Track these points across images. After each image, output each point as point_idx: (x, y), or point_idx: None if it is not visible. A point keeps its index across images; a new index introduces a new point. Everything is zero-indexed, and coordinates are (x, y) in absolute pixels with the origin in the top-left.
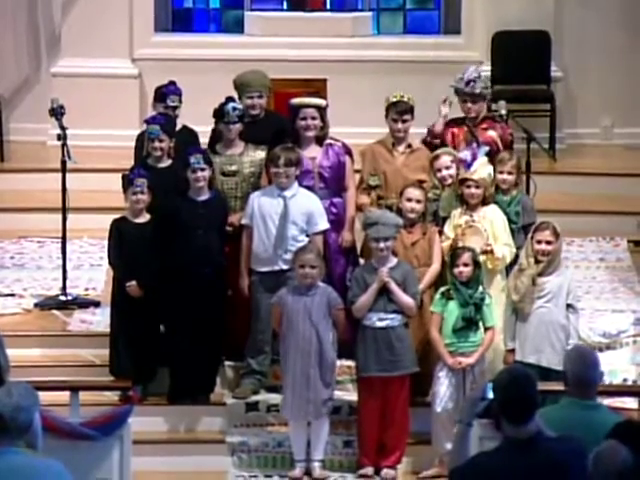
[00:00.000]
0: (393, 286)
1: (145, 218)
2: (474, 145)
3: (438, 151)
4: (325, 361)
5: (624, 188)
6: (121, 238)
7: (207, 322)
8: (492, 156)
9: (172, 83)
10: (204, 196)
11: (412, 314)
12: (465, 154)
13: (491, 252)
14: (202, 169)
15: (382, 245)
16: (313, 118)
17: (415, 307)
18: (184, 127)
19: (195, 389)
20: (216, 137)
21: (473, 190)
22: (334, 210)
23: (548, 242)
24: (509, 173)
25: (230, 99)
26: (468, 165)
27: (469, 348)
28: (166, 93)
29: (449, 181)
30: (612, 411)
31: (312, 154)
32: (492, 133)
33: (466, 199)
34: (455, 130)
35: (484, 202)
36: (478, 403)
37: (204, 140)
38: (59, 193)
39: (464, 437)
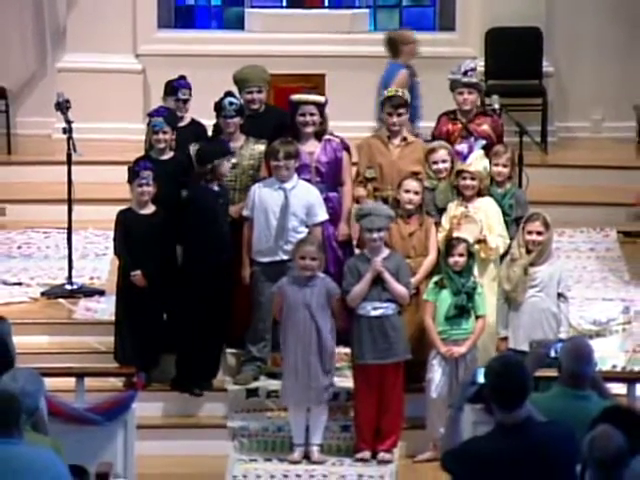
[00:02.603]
0: (387, 276)
1: (150, 209)
2: (471, 138)
3: (434, 144)
4: (325, 349)
5: (613, 180)
6: (126, 229)
7: (214, 310)
8: (488, 149)
9: (182, 77)
10: (216, 187)
11: (405, 303)
12: (462, 147)
13: (485, 242)
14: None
15: (375, 235)
16: (312, 114)
17: (408, 296)
18: (193, 120)
19: (198, 376)
20: (218, 131)
21: (469, 182)
22: (330, 204)
23: (539, 233)
24: (504, 166)
25: (228, 94)
26: (464, 157)
27: (461, 335)
28: (177, 87)
29: (444, 174)
30: (602, 399)
31: (310, 149)
32: (486, 127)
33: (462, 191)
34: (450, 127)
35: (479, 194)
36: (468, 388)
37: (209, 134)
38: (65, 185)
39: (456, 421)
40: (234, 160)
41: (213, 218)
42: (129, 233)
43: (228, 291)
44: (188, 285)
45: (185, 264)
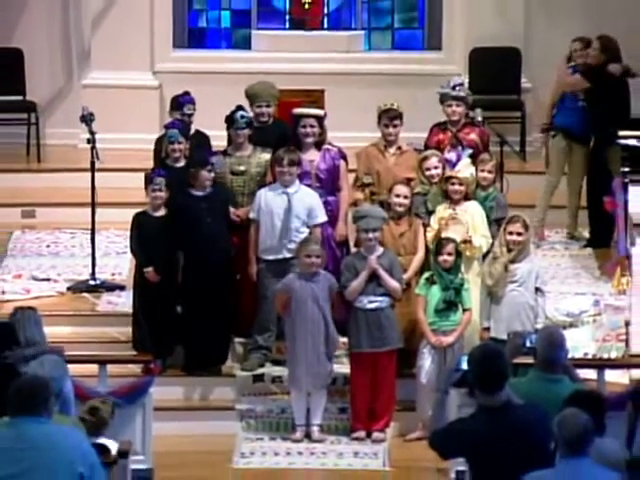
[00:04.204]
0: (381, 272)
1: (163, 212)
2: (459, 148)
3: (427, 152)
4: (330, 339)
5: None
6: (141, 229)
7: (218, 303)
8: (475, 157)
9: (187, 93)
10: (206, 191)
11: (398, 296)
12: (451, 155)
13: (470, 242)
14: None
15: (370, 235)
16: (312, 126)
17: (400, 290)
18: (197, 131)
19: (208, 362)
20: (229, 141)
21: (457, 187)
22: (328, 207)
23: (519, 233)
24: (489, 172)
25: (239, 107)
26: (453, 165)
27: (449, 326)
28: (183, 102)
29: (436, 179)
30: (572, 383)
31: (311, 157)
32: (474, 136)
33: (450, 195)
34: (441, 136)
35: (466, 198)
36: (453, 373)
37: (215, 143)
38: (89, 190)
39: (442, 404)
40: (242, 167)
41: (195, 221)
42: (143, 233)
43: (227, 287)
44: (189, 283)
45: (184, 263)
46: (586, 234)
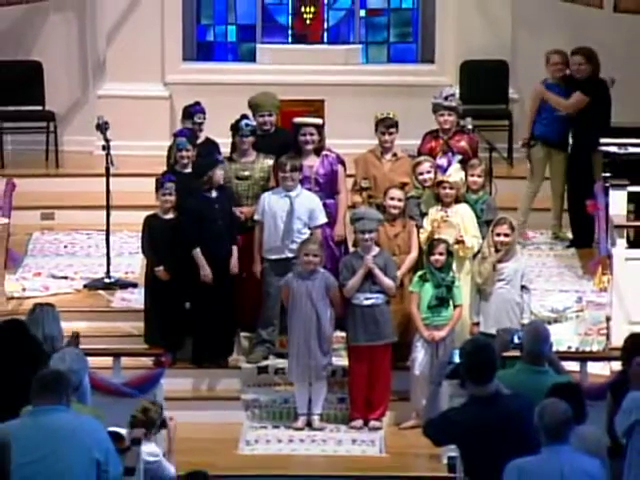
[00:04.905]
0: (377, 271)
1: (172, 215)
2: (450, 154)
3: (420, 158)
4: (323, 333)
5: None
6: (152, 231)
7: (225, 300)
8: (464, 163)
9: (198, 103)
10: (216, 193)
11: (392, 294)
12: (442, 161)
13: (462, 242)
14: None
15: (367, 236)
16: (312, 134)
17: (395, 288)
18: (207, 138)
19: (216, 355)
20: (233, 148)
21: (448, 191)
22: (327, 210)
23: (506, 234)
24: (478, 176)
25: (244, 117)
26: (444, 170)
27: (441, 322)
28: (193, 112)
29: (428, 183)
30: (557, 374)
31: (310, 163)
32: (463, 144)
33: (442, 198)
34: (433, 143)
35: (457, 201)
36: (446, 366)
37: (224, 150)
38: (103, 194)
39: (435, 394)
40: (247, 173)
41: (207, 222)
42: (154, 235)
43: (232, 283)
44: (197, 280)
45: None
46: (570, 235)
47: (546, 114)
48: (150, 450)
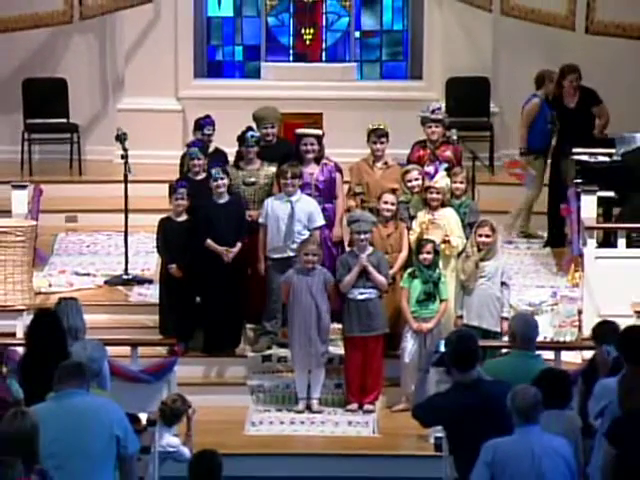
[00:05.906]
0: (370, 268)
1: (184, 218)
2: (436, 162)
3: (409, 166)
4: (322, 324)
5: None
6: (166, 232)
7: (232, 295)
8: (449, 171)
9: (208, 116)
10: (225, 199)
11: (384, 289)
12: (430, 169)
13: (448, 242)
14: (221, 178)
15: (362, 237)
16: (312, 144)
17: (387, 284)
18: (216, 149)
19: (224, 344)
20: (239, 157)
21: (435, 195)
22: (326, 213)
23: (487, 235)
24: (461, 182)
25: (249, 128)
26: (431, 177)
27: (428, 314)
28: (203, 124)
29: (417, 189)
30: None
31: (311, 171)
32: (449, 153)
33: (429, 202)
34: (421, 152)
35: (443, 205)
36: (433, 355)
37: (231, 158)
38: (122, 198)
39: (423, 381)
40: (252, 179)
41: (217, 224)
42: (167, 235)
43: (239, 279)
44: (207, 276)
45: (203, 260)
46: (539, 232)
47: (540, 126)
48: (169, 441)
